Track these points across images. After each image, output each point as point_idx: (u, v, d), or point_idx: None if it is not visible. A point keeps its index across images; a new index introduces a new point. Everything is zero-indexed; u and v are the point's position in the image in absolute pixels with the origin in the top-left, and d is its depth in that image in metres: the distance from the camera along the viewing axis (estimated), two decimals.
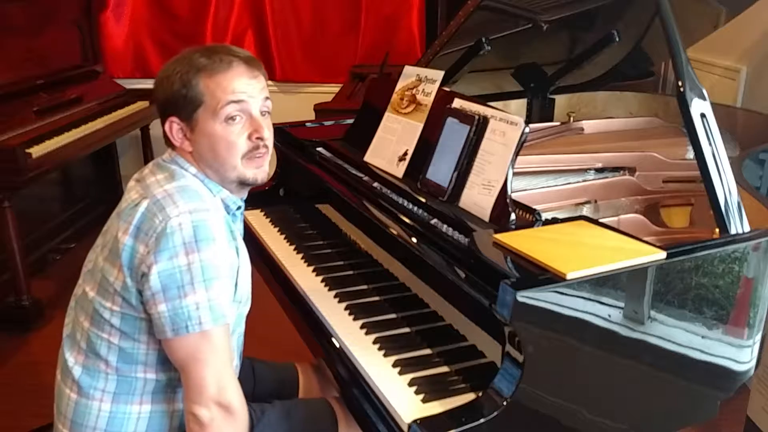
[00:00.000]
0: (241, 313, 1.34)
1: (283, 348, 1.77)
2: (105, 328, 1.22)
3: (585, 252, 1.17)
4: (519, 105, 2.36)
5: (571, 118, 2.22)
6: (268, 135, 1.28)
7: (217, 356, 1.17)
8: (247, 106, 1.25)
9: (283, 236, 1.89)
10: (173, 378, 1.25)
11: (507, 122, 1.37)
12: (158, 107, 1.29)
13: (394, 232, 1.43)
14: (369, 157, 1.72)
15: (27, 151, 2.75)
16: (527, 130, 1.33)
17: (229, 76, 1.23)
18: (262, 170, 1.30)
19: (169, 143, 1.30)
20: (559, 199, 1.67)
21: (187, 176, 1.25)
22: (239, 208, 1.35)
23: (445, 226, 1.36)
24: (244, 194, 1.36)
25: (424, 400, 1.17)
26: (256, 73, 1.27)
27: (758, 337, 1.33)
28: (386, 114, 1.74)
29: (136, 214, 1.18)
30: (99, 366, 1.23)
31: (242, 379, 1.53)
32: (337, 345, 1.39)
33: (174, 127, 1.26)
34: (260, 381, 1.58)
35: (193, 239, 1.14)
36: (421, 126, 1.61)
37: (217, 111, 1.23)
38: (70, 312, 1.32)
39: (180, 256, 1.13)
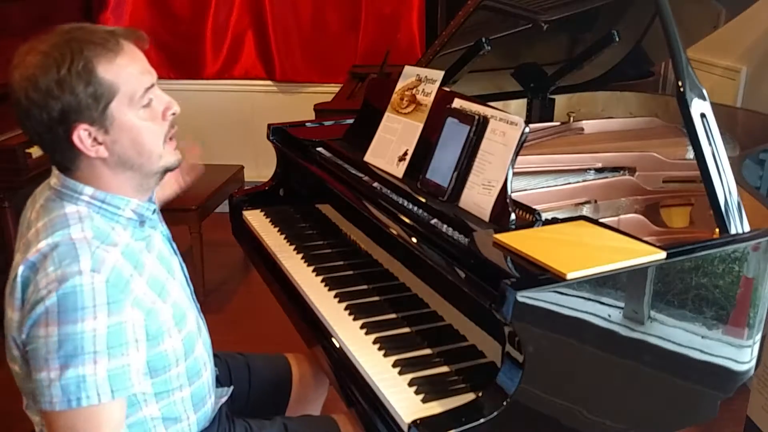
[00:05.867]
0: (189, 334, 1.23)
1: (283, 346, 1.77)
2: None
3: (585, 252, 1.17)
4: (519, 105, 2.36)
5: (571, 118, 2.22)
6: (178, 108, 1.17)
7: None
8: (156, 84, 1.14)
9: (283, 236, 1.89)
10: (176, 401, 1.22)
11: (507, 122, 1.37)
12: (49, 121, 1.06)
13: (394, 232, 1.43)
14: (369, 157, 1.72)
15: (27, 151, 2.75)
16: (527, 130, 1.33)
17: (128, 56, 1.10)
18: (177, 151, 1.19)
19: (59, 162, 1.13)
20: (559, 199, 1.67)
21: (70, 220, 1.09)
22: (155, 211, 1.23)
23: (445, 226, 1.36)
24: (155, 187, 1.23)
25: (424, 400, 1.17)
26: (140, 45, 1.14)
27: (758, 337, 1.33)
28: (386, 114, 1.73)
29: (17, 286, 1.07)
30: None
31: (238, 376, 1.55)
32: (337, 345, 1.39)
33: (83, 135, 1.07)
34: (255, 375, 1.59)
35: (56, 310, 1.00)
36: (421, 126, 1.61)
37: (134, 99, 1.09)
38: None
39: (41, 326, 1.01)
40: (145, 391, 1.16)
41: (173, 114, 1.16)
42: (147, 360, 1.14)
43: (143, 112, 1.12)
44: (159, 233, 1.27)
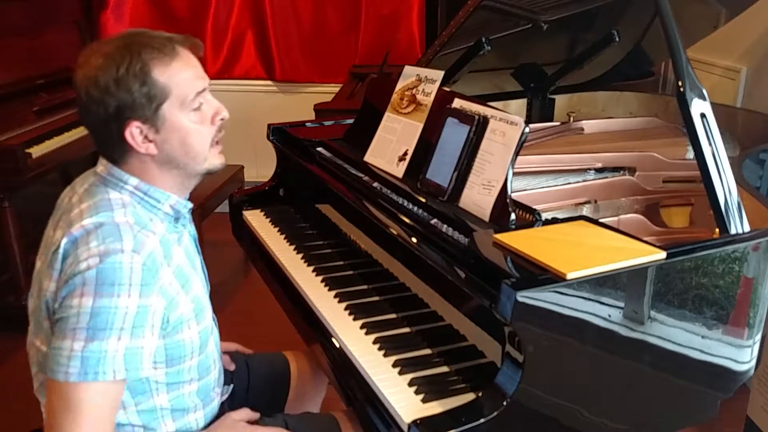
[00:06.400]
0: (205, 328, 1.27)
1: (283, 346, 1.77)
2: None
3: (585, 252, 1.17)
4: (519, 105, 2.36)
5: (571, 118, 2.22)
6: (227, 114, 1.23)
7: (78, 418, 1.04)
8: (207, 89, 1.21)
9: (283, 236, 1.89)
10: (185, 394, 1.25)
11: (507, 122, 1.37)
12: (105, 116, 1.13)
13: (394, 232, 1.43)
14: (369, 157, 1.72)
15: (27, 151, 2.75)
16: (527, 130, 1.33)
17: (183, 61, 1.16)
18: (222, 154, 1.26)
19: (111, 155, 1.18)
20: (559, 199, 1.67)
21: (114, 204, 1.14)
22: (190, 210, 1.29)
23: (445, 226, 1.36)
24: (193, 187, 1.29)
25: (424, 400, 1.17)
26: (195, 51, 1.21)
27: (758, 337, 1.33)
28: (386, 114, 1.73)
29: (58, 257, 1.11)
30: None
31: (237, 374, 1.55)
32: (337, 345, 1.39)
33: (135, 132, 1.14)
34: (254, 373, 1.60)
35: (93, 282, 1.05)
36: (421, 126, 1.61)
37: (185, 102, 1.16)
38: (32, 366, 1.23)
39: (74, 297, 1.05)
40: (158, 380, 1.19)
41: (222, 119, 1.22)
42: (165, 347, 1.17)
43: (193, 115, 1.18)
44: (187, 232, 1.31)
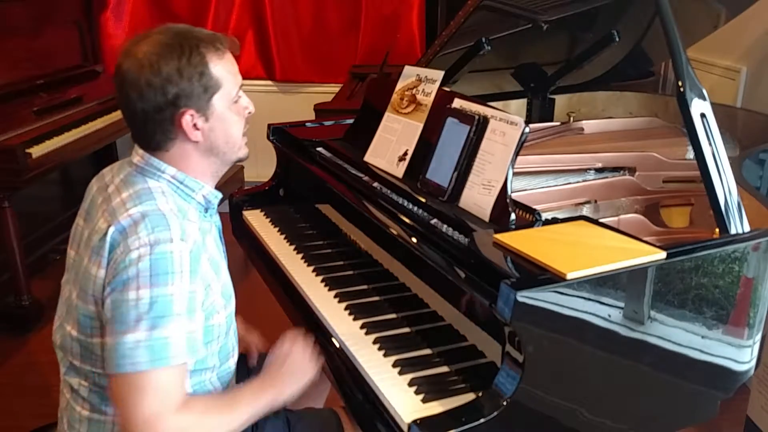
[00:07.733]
0: (231, 313, 1.33)
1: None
2: (98, 364, 1.19)
3: (585, 252, 1.17)
4: (519, 105, 2.36)
5: (571, 118, 2.22)
6: (254, 108, 1.33)
7: (154, 400, 1.07)
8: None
9: (283, 236, 1.89)
10: (205, 380, 1.27)
11: (507, 122, 1.37)
12: (163, 103, 1.17)
13: (394, 232, 1.43)
14: (369, 157, 1.72)
15: (27, 151, 2.75)
16: (527, 130, 1.33)
17: (229, 59, 1.25)
18: (247, 147, 1.34)
19: (148, 140, 1.23)
20: (559, 199, 1.67)
21: (155, 193, 1.19)
22: (219, 199, 1.34)
23: (445, 226, 1.36)
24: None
25: (424, 400, 1.17)
26: (234, 50, 1.30)
27: (758, 337, 1.33)
28: (386, 114, 1.74)
29: (105, 245, 1.14)
30: (106, 393, 1.20)
31: (238, 371, 1.55)
32: (337, 345, 1.39)
33: (188, 119, 1.20)
34: (254, 371, 1.60)
35: (147, 273, 1.09)
36: (421, 126, 1.61)
37: (231, 95, 1.25)
38: (58, 350, 1.27)
39: (130, 290, 1.08)
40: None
41: (249, 113, 1.32)
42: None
43: (234, 108, 1.27)
44: (214, 223, 1.35)
